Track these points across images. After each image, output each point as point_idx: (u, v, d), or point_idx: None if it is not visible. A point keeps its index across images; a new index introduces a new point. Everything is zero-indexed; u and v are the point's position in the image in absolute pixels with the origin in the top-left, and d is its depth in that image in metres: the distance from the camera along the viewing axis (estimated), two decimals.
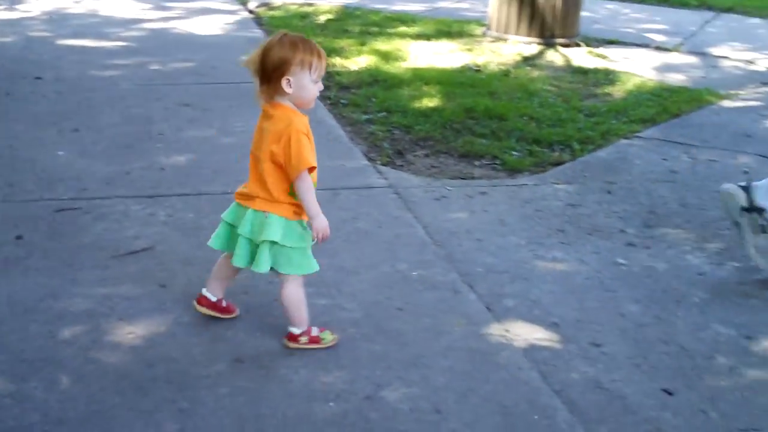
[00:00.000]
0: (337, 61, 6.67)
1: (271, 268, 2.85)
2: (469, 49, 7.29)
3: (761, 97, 6.42)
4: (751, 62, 7.63)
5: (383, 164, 4.66)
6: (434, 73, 6.47)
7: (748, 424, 2.68)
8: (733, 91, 6.52)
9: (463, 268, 3.55)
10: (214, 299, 3.07)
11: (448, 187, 4.39)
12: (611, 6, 10.11)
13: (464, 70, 6.67)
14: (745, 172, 4.79)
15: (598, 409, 2.71)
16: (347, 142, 4.95)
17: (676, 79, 6.82)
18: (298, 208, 2.84)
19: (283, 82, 2.76)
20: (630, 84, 6.51)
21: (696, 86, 6.58)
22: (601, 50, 7.65)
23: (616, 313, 3.29)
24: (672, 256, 3.77)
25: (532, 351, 2.99)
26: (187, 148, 4.67)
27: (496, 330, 3.10)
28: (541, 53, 7.36)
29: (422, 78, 6.29)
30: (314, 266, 2.90)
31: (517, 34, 7.63)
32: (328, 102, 5.67)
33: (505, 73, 6.65)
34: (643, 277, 3.57)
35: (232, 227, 2.92)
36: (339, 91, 5.94)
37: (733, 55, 7.81)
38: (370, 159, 4.71)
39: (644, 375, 2.90)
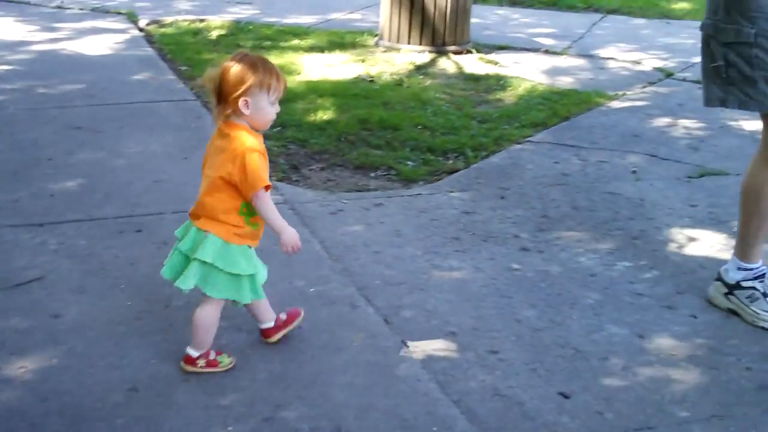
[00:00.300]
0: None
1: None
2: (362, 60, 7.31)
3: (648, 97, 6.59)
4: (637, 62, 7.81)
5: (279, 180, 4.64)
6: (328, 85, 6.47)
7: (643, 423, 2.75)
8: (620, 92, 6.67)
9: (361, 281, 3.56)
10: (273, 324, 3.08)
11: (344, 200, 4.39)
12: (501, 12, 10.24)
13: (358, 81, 6.69)
14: (634, 172, 4.92)
15: (496, 417, 2.74)
16: None
17: (565, 82, 6.95)
18: (241, 231, 2.82)
19: (241, 103, 2.74)
20: (521, 89, 6.61)
21: (585, 88, 6.71)
22: (492, 56, 7.74)
23: (513, 318, 3.33)
24: (565, 259, 3.83)
25: (430, 362, 3.02)
26: (77, 172, 4.59)
27: (394, 342, 3.12)
28: (433, 61, 7.42)
29: (316, 91, 6.28)
30: (244, 297, 2.87)
31: (409, 43, 7.67)
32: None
33: (399, 83, 6.69)
34: (537, 282, 3.63)
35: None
36: None
37: (620, 56, 7.99)
38: None
39: (541, 379, 2.94)
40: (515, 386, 2.90)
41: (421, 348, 3.09)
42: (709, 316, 3.41)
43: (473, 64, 7.39)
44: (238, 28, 8.41)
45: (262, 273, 2.97)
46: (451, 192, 4.56)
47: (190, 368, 2.90)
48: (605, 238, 4.07)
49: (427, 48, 7.63)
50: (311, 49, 7.66)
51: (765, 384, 2.96)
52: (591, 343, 3.18)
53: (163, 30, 8.26)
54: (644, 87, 6.91)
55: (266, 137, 5.21)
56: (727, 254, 3.89)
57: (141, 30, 8.31)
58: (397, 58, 7.40)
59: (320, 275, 3.59)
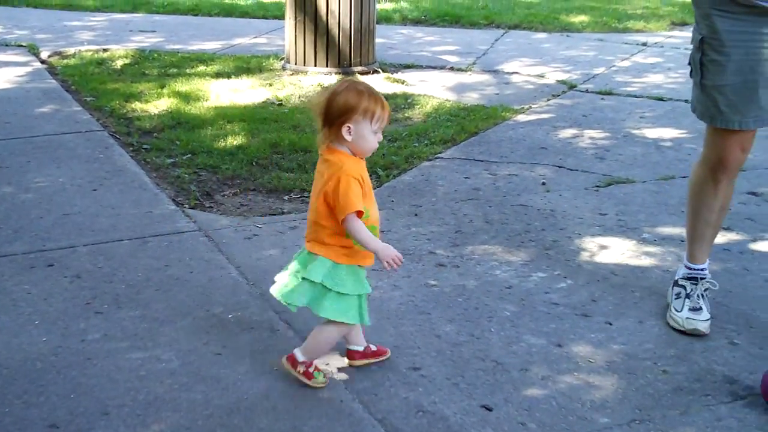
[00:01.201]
0: (137, 105, 6.56)
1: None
2: (270, 84, 7.31)
3: (553, 110, 6.71)
4: (541, 76, 7.95)
5: (192, 207, 4.61)
6: (237, 110, 6.45)
7: (565, 431, 2.78)
8: (526, 106, 6.78)
9: (280, 305, 3.49)
10: (361, 348, 3.11)
11: (259, 225, 4.38)
12: (405, 31, 10.33)
13: (266, 105, 6.69)
14: (543, 183, 4.99)
15: None
16: (153, 188, 4.86)
17: (471, 98, 7.04)
18: (351, 252, 2.84)
19: (344, 129, 2.76)
20: (429, 106, 6.68)
21: (491, 104, 6.81)
22: (398, 75, 7.81)
23: (432, 334, 3.36)
24: (481, 273, 3.88)
25: (353, 382, 3.02)
26: None
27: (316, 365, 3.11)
28: None
29: (225, 116, 6.26)
30: (352, 317, 2.89)
31: (315, 65, 7.70)
32: (131, 149, 5.56)
33: (307, 105, 6.69)
34: (455, 296, 3.66)
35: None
36: (141, 137, 5.84)
37: (523, 71, 8.13)
38: (177, 203, 4.65)
39: (463, 394, 2.97)
40: (438, 402, 2.91)
41: (343, 369, 3.09)
42: (624, 322, 3.47)
43: (380, 83, 7.43)
44: (142, 57, 8.34)
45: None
46: None
47: (288, 367, 2.98)
48: (519, 250, 4.12)
49: (334, 69, 7.67)
50: (218, 75, 7.63)
51: (681, 386, 3.03)
52: (510, 354, 3.22)
53: (65, 61, 8.15)
54: (549, 100, 7.04)
55: (176, 165, 5.22)
56: (638, 260, 3.99)
57: (43, 62, 8.19)
58: (304, 81, 7.42)
59: (238, 301, 3.57)
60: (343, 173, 2.75)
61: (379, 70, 7.87)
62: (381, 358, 3.15)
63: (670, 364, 3.17)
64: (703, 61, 3.24)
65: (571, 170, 5.26)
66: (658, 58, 9.03)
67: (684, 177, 5.13)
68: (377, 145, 2.88)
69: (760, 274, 3.93)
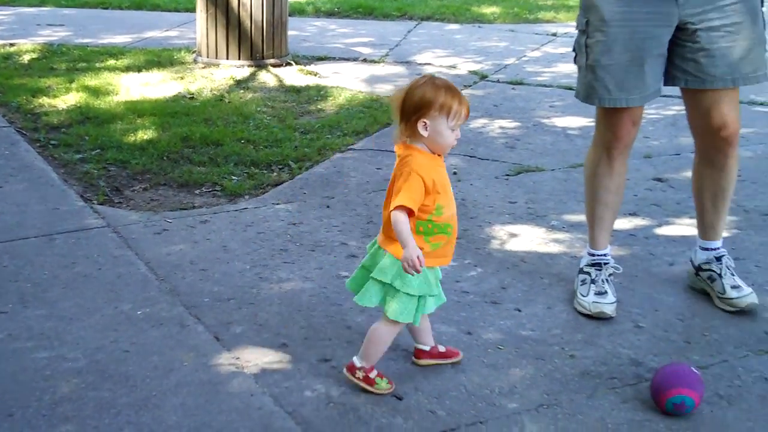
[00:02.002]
0: (45, 100, 6.45)
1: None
2: (181, 78, 7.24)
3: None
4: (453, 67, 8.00)
5: (100, 203, 4.54)
6: (147, 104, 6.38)
7: (474, 418, 2.80)
8: None
9: (189, 300, 3.52)
10: (428, 348, 3.08)
11: (169, 220, 4.33)
12: (318, 23, 10.31)
13: (177, 99, 6.62)
14: (454, 173, 5.02)
15: (332, 425, 2.75)
16: (60, 184, 4.78)
17: (384, 89, 7.05)
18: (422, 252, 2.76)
19: (420, 125, 2.72)
20: (341, 98, 6.68)
21: None
22: (311, 67, 7.80)
23: (344, 325, 3.36)
24: None
25: (263, 375, 3.00)
26: None
27: (226, 359, 3.09)
28: (253, 75, 7.41)
29: (135, 111, 6.18)
30: (407, 317, 2.84)
31: (227, 58, 7.65)
32: (38, 145, 5.46)
33: (220, 99, 6.65)
34: None
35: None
36: (48, 132, 5.73)
37: (436, 62, 8.17)
38: (85, 199, 4.58)
39: None
40: (349, 392, 2.92)
41: (253, 362, 3.08)
42: (533, 308, 3.52)
43: (293, 76, 7.42)
44: (50, 51, 8.20)
45: (433, 300, 2.96)
46: (277, 204, 4.56)
47: (348, 375, 2.93)
48: None
49: (246, 62, 7.62)
50: (128, 69, 7.53)
51: (588, 370, 3.08)
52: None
53: None
54: (461, 90, 7.06)
55: (84, 161, 5.14)
56: (546, 247, 4.05)
57: None
58: (216, 74, 7.36)
59: (147, 297, 3.53)
60: (410, 167, 2.73)
61: (292, 62, 7.85)
62: (449, 360, 3.10)
63: (577, 348, 3.22)
64: (588, 43, 3.32)
65: (482, 159, 5.31)
66: (567, 48, 9.03)
67: None
68: (455, 142, 2.83)
69: (664, 258, 4.01)
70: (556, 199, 4.69)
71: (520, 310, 3.50)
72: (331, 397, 2.89)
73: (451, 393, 2.94)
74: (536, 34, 9.89)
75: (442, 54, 8.55)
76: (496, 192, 4.77)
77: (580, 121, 6.15)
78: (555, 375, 3.05)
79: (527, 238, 4.18)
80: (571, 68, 7.91)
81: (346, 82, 7.27)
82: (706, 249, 3.65)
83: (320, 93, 6.85)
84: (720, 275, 3.56)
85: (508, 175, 5.05)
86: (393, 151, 5.17)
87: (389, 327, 2.90)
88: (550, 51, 8.94)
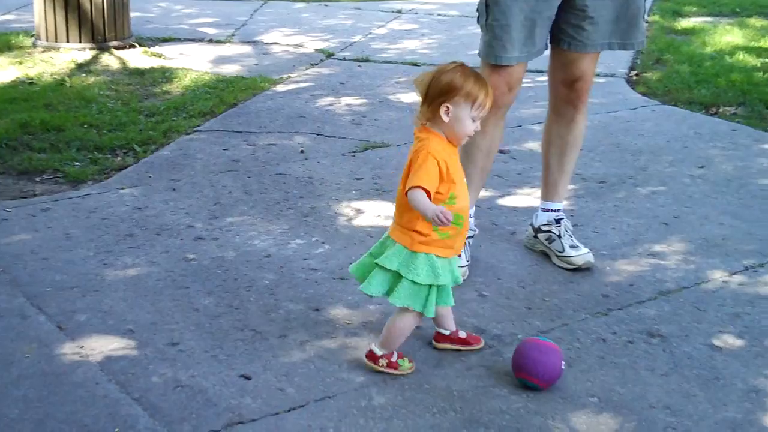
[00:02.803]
0: None
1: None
2: (20, 62, 6.99)
3: (311, 79, 6.76)
4: (300, 45, 7.99)
5: None
6: None
7: (323, 393, 2.82)
8: (285, 76, 6.80)
9: (30, 290, 3.43)
10: (447, 332, 3.06)
11: (8, 209, 4.20)
12: (163, 4, 10.10)
13: (16, 84, 6.40)
14: (302, 151, 5.03)
15: (179, 408, 2.73)
16: None
17: (231, 69, 6.99)
18: (428, 240, 2.79)
19: (442, 109, 2.73)
20: (187, 80, 6.59)
21: (250, 74, 6.79)
22: (156, 49, 7.65)
23: (191, 308, 3.33)
24: (240, 243, 3.88)
25: (108, 363, 2.96)
26: None
27: (69, 349, 3.03)
28: (95, 59, 7.23)
29: None
30: (417, 305, 2.82)
31: (68, 41, 7.42)
32: None
33: (60, 83, 6.46)
34: (213, 269, 3.65)
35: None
36: None
37: (282, 41, 8.13)
38: None
39: (222, 365, 2.97)
40: (197, 375, 2.90)
41: (98, 350, 3.03)
42: None
43: (137, 58, 7.27)
44: None
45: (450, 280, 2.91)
46: (122, 189, 4.48)
47: (371, 365, 2.92)
48: (278, 218, 4.15)
49: (88, 45, 7.42)
50: None
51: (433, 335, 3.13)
52: (269, 322, 3.24)
53: None
54: (307, 69, 7.09)
55: None
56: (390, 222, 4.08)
57: None
58: (57, 58, 7.14)
59: None
60: (427, 150, 2.73)
61: (136, 44, 7.68)
62: (470, 347, 3.09)
63: (423, 319, 3.27)
64: (488, 3, 3.45)
65: (329, 137, 5.33)
66: (413, 24, 9.23)
67: None
68: (473, 133, 2.84)
69: (506, 228, 4.12)
70: (402, 173, 4.73)
71: None
72: (179, 381, 2.87)
73: (300, 370, 2.96)
74: (382, 11, 9.95)
75: (289, 33, 8.52)
76: (343, 169, 4.80)
77: None
78: (402, 347, 3.07)
79: (374, 213, 4.22)
80: (416, 44, 8.10)
81: (192, 63, 7.17)
82: (547, 210, 3.82)
83: (165, 75, 6.73)
84: (559, 236, 3.71)
85: (354, 151, 5.08)
86: (240, 131, 5.20)
87: (408, 317, 2.89)
88: (396, 28, 9.00)
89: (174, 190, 4.47)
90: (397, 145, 5.18)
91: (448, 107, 2.75)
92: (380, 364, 2.92)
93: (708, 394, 2.88)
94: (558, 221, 3.79)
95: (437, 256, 2.83)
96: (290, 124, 5.56)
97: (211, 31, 8.51)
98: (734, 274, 3.71)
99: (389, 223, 4.02)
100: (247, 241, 3.91)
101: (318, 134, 5.38)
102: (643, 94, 6.53)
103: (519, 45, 3.45)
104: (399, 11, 9.92)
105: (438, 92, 2.75)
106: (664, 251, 3.90)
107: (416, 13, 9.88)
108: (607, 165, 4.96)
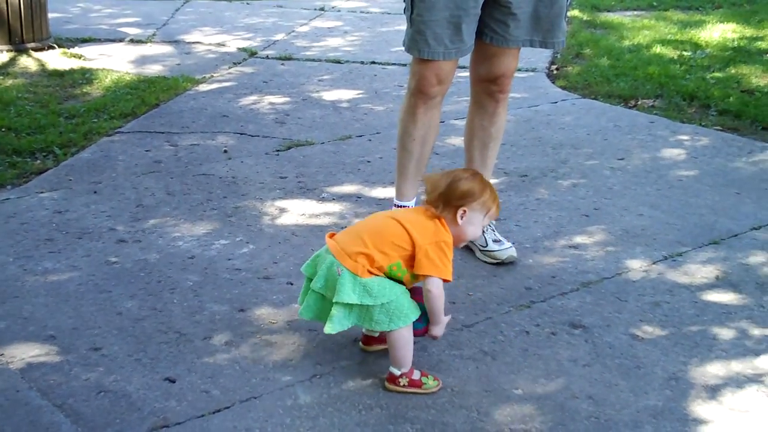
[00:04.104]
0: None
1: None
2: None
3: (234, 78, 6.72)
4: (222, 44, 7.94)
5: None
6: None
7: (248, 394, 2.81)
8: (207, 75, 6.75)
9: None
10: (377, 334, 3.03)
11: None
12: (82, 4, 9.96)
13: None
14: (225, 151, 5.01)
15: (103, 414, 2.71)
16: None
17: (153, 69, 6.92)
18: (375, 271, 2.79)
19: (460, 212, 2.86)
20: (108, 80, 6.50)
21: (172, 74, 6.72)
22: (76, 50, 7.54)
23: (114, 312, 3.30)
24: (163, 245, 3.84)
25: (30, 370, 2.92)
26: None
27: None
28: (13, 61, 7.09)
29: None
30: (413, 314, 2.83)
31: None
32: None
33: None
34: (136, 272, 3.61)
35: None
36: None
37: (205, 40, 8.08)
38: None
39: (146, 368, 2.94)
40: (120, 379, 2.88)
41: (19, 357, 2.98)
42: (304, 281, 3.55)
43: (56, 59, 7.16)
44: None
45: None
46: (41, 193, 4.41)
47: (392, 387, 2.86)
48: (202, 219, 4.12)
49: (5, 47, 7.29)
50: None
51: (358, 337, 3.12)
52: (193, 324, 3.22)
53: None
54: (230, 68, 7.05)
55: None
56: (317, 219, 4.11)
57: None
58: None
59: None
60: (448, 242, 2.83)
61: (55, 45, 7.56)
62: None
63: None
64: None
65: (253, 136, 5.31)
66: (336, 21, 9.23)
67: (360, 136, 5.33)
68: (474, 238, 3.00)
69: None
70: (326, 171, 4.75)
71: (292, 284, 3.53)
72: (103, 386, 2.84)
73: (225, 371, 2.94)
74: (304, 9, 9.92)
75: (211, 32, 8.46)
76: (267, 168, 4.78)
77: (349, 93, 6.24)
78: (327, 345, 3.10)
79: (298, 212, 4.22)
80: (338, 42, 8.10)
81: (113, 63, 7.08)
82: None
83: (85, 76, 6.64)
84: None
85: (278, 150, 5.07)
86: (163, 132, 5.15)
87: (400, 329, 2.82)
88: (319, 25, 8.99)
89: (95, 192, 4.42)
90: (322, 143, 5.18)
91: (465, 211, 2.89)
92: (401, 384, 2.86)
93: (629, 382, 2.94)
94: None
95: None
96: (213, 124, 5.53)
97: (132, 30, 8.42)
98: (654, 263, 3.78)
99: (313, 221, 4.07)
100: (171, 242, 3.88)
101: (241, 134, 5.35)
102: (564, 88, 6.62)
103: (446, 41, 3.48)
104: (322, 9, 9.91)
105: (459, 195, 2.88)
106: (586, 243, 3.96)
107: (339, 11, 9.89)
108: (529, 159, 5.02)
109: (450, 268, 2.82)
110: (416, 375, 2.87)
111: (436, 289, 2.80)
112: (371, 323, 2.80)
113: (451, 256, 2.84)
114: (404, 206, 3.79)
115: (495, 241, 3.75)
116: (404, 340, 2.84)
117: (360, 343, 3.11)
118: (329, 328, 2.79)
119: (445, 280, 2.81)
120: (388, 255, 2.78)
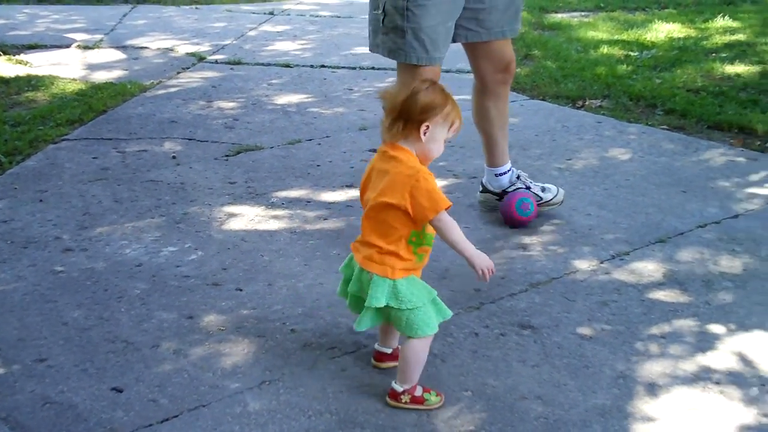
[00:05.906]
0: None
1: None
2: None
3: (183, 83, 6.68)
4: (170, 50, 7.89)
5: None
6: None
7: (197, 402, 2.80)
8: (156, 81, 6.71)
9: None
10: (389, 351, 2.98)
11: None
12: (28, 11, 9.88)
13: None
14: (173, 157, 4.97)
15: (48, 426, 2.67)
16: None
17: (100, 76, 6.87)
18: (407, 265, 2.71)
19: (422, 128, 2.65)
20: (54, 87, 6.44)
21: (120, 80, 6.68)
22: (21, 56, 7.47)
23: (59, 322, 3.26)
24: (110, 254, 3.81)
25: None
26: None
27: None
28: None
29: None
30: (433, 327, 2.73)
31: None
32: None
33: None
34: (83, 281, 3.57)
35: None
36: None
37: (153, 45, 8.03)
38: None
39: (92, 379, 2.91)
40: (66, 390, 2.84)
41: None
42: (254, 286, 3.54)
43: (1, 66, 7.07)
44: None
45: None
46: None
47: (393, 403, 2.80)
48: (149, 226, 4.08)
49: None
50: None
51: (308, 342, 3.14)
52: (141, 333, 3.19)
53: None
54: (179, 73, 7.01)
55: None
56: (266, 224, 4.09)
57: None
58: None
59: None
60: (421, 170, 2.63)
61: (0, 52, 7.47)
62: None
63: (298, 322, 3.28)
64: (409, 6, 3.57)
65: (201, 141, 5.28)
66: (285, 26, 9.22)
67: (309, 140, 5.32)
68: (438, 155, 2.76)
69: None
70: (275, 176, 4.73)
71: (241, 290, 3.51)
72: (48, 397, 2.80)
73: (174, 380, 2.92)
74: (254, 13, 9.90)
75: (160, 37, 8.41)
76: (215, 173, 4.75)
77: (298, 97, 6.23)
78: (277, 351, 3.09)
79: (247, 217, 4.20)
80: (288, 46, 8.07)
81: (59, 70, 7.01)
82: (505, 172, 4.28)
83: (31, 83, 6.57)
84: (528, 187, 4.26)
85: (227, 155, 5.04)
86: (110, 139, 5.10)
87: (420, 341, 2.75)
88: (268, 30, 8.97)
89: (41, 201, 4.37)
90: (271, 148, 5.16)
91: (428, 126, 2.67)
92: (403, 401, 2.79)
93: (578, 382, 2.95)
94: (518, 177, 4.27)
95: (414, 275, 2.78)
96: (161, 130, 5.49)
97: (79, 36, 8.35)
98: (602, 263, 3.80)
99: (263, 226, 4.05)
100: (118, 250, 3.84)
101: (190, 139, 5.32)
102: (512, 89, 6.61)
103: (441, 46, 3.68)
104: (271, 13, 9.89)
105: (420, 110, 2.65)
106: (534, 243, 3.98)
107: (289, 15, 9.87)
108: (478, 160, 5.01)
109: (442, 194, 2.65)
110: (419, 391, 2.81)
111: (444, 224, 2.66)
112: (405, 330, 2.73)
113: (432, 180, 2.66)
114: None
115: (543, 190, 4.25)
116: (418, 355, 2.77)
117: (372, 359, 3.04)
118: (358, 326, 2.79)
119: (446, 209, 2.66)
120: (398, 235, 2.68)
